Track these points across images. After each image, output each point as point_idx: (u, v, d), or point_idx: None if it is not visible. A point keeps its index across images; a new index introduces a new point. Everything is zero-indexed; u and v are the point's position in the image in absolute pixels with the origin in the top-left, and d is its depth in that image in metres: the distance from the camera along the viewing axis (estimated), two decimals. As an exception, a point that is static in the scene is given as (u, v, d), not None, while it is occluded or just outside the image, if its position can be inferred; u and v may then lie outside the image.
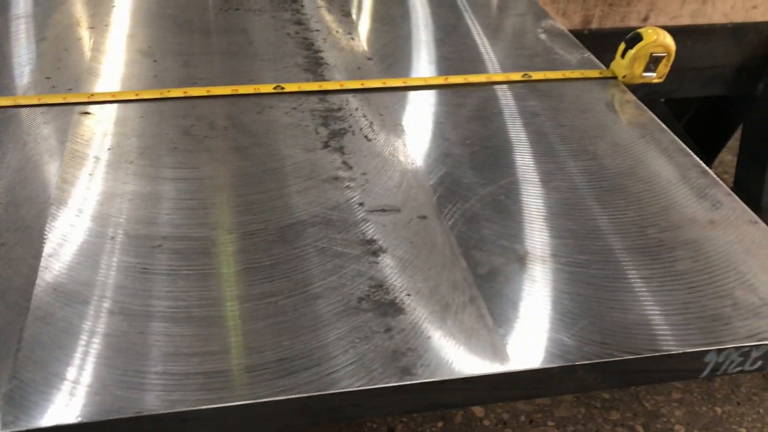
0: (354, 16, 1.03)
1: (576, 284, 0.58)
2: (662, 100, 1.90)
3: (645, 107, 0.85)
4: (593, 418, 1.43)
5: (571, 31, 1.44)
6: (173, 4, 1.01)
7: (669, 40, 0.89)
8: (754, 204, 1.69)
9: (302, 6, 1.04)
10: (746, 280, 0.60)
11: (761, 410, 1.46)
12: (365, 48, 0.94)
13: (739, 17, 1.49)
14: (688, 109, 1.92)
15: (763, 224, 0.68)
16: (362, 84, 0.84)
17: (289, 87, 0.82)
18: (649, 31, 0.89)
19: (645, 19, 1.42)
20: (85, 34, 0.92)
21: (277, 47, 0.92)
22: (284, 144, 0.73)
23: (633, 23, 1.41)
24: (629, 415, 1.44)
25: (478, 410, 1.43)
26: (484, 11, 1.08)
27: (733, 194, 0.72)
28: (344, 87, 0.83)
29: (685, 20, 1.45)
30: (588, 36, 1.42)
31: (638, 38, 0.89)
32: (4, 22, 0.95)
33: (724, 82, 1.57)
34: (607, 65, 0.94)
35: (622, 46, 0.90)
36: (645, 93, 1.45)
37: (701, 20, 1.46)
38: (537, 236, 0.63)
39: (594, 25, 1.41)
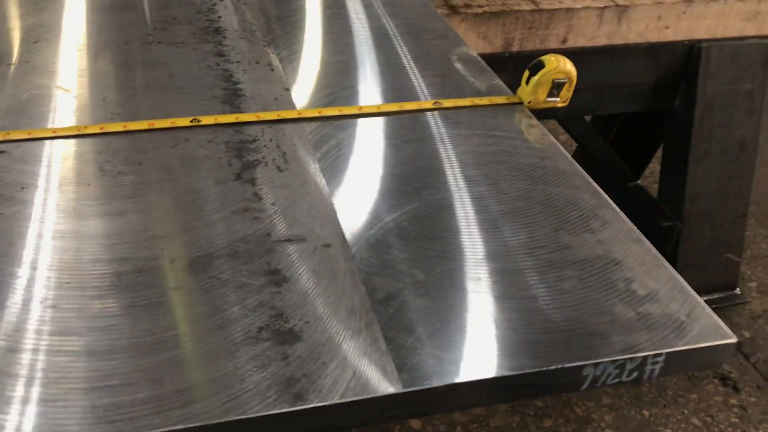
0: (274, 47, 1.07)
1: (469, 306, 0.62)
2: (587, 117, 1.98)
3: (547, 132, 0.90)
4: (527, 426, 1.47)
5: (492, 54, 1.51)
6: (97, 39, 1.03)
7: (570, 67, 0.95)
8: (676, 212, 1.78)
9: (224, 38, 1.07)
10: (625, 296, 0.65)
11: (686, 411, 1.53)
12: (284, 78, 0.98)
13: (653, 37, 1.57)
14: (613, 125, 2.00)
15: (646, 242, 0.73)
16: (278, 115, 0.87)
17: (206, 120, 0.85)
18: (551, 58, 0.94)
19: (564, 41, 1.48)
20: (5, 70, 0.93)
21: (197, 79, 0.95)
22: (197, 177, 0.75)
23: (552, 45, 1.48)
24: (561, 421, 1.49)
25: (415, 422, 1.46)
26: (403, 38, 1.13)
27: (621, 214, 0.77)
28: (260, 118, 0.87)
29: (602, 41, 1.52)
30: (509, 59, 1.48)
31: (540, 65, 0.94)
32: None
33: (643, 98, 1.64)
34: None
35: (527, 73, 0.95)
36: (568, 111, 1.52)
37: (617, 40, 1.53)
38: (435, 261, 0.67)
39: (515, 48, 1.47)
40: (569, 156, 0.85)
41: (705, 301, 1.89)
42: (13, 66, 0.94)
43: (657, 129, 1.89)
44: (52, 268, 0.62)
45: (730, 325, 2.00)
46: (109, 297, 0.59)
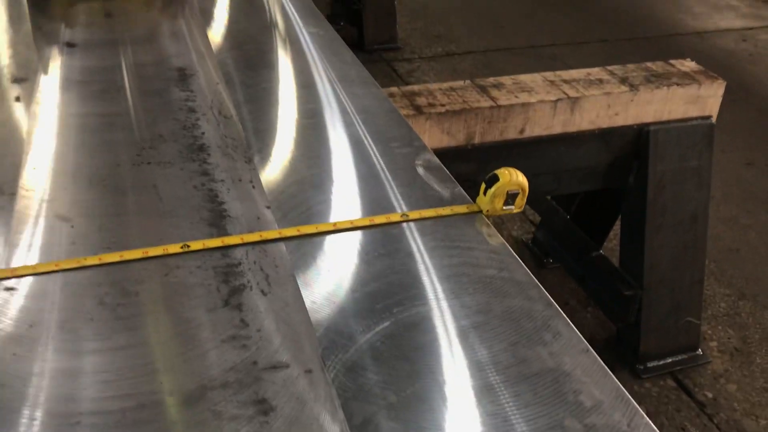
0: (255, 162, 1.16)
1: (437, 425, 0.70)
2: (548, 197, 2.10)
3: (504, 242, 1.00)
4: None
5: (456, 147, 1.62)
6: (89, 162, 1.12)
7: (522, 179, 1.05)
8: (637, 279, 1.88)
9: (208, 155, 1.16)
10: (574, 408, 0.73)
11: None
12: (264, 196, 1.07)
13: (604, 123, 1.69)
14: (572, 202, 2.12)
15: (592, 352, 0.82)
16: (260, 236, 0.96)
17: (195, 245, 0.93)
18: (505, 172, 1.04)
19: (522, 131, 1.60)
20: (9, 200, 1.01)
21: (185, 201, 1.03)
22: (189, 306, 0.83)
23: (511, 136, 1.59)
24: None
25: None
26: (374, 146, 1.22)
27: (570, 323, 0.86)
28: (244, 240, 0.95)
29: (557, 129, 1.64)
30: (472, 150, 1.58)
31: (495, 179, 1.04)
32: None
33: (599, 178, 1.76)
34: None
35: (483, 185, 1.05)
36: (531, 193, 1.63)
37: (571, 128, 1.65)
38: (404, 381, 0.75)
39: (477, 141, 1.58)
40: (525, 267, 0.95)
41: (669, 362, 2.01)
42: (11, 196, 1.02)
43: (614, 202, 2.00)
44: (62, 407, 0.69)
45: (693, 387, 2.10)
46: (117, 434, 0.66)
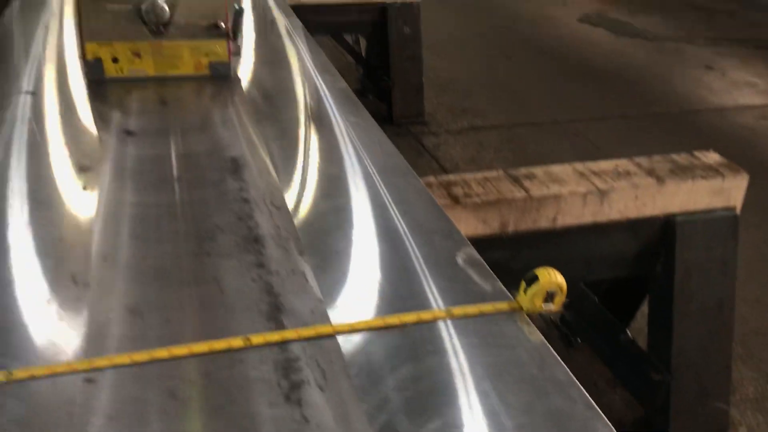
0: (306, 255, 1.23)
1: None
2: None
3: (545, 341, 1.06)
4: None
5: (490, 235, 1.69)
6: (154, 253, 1.20)
7: (560, 279, 1.11)
8: (665, 366, 1.92)
9: (264, 246, 1.24)
10: None
11: None
12: (317, 289, 1.14)
13: (632, 213, 1.76)
14: (602, 286, 2.18)
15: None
16: (315, 331, 1.03)
17: (256, 339, 1.00)
18: (544, 272, 1.11)
19: (554, 221, 1.67)
20: (77, 292, 1.09)
21: (244, 294, 1.11)
22: (253, 401, 0.89)
23: (544, 225, 1.67)
24: None
25: None
26: (414, 238, 1.30)
27: (609, 424, 0.91)
28: (300, 335, 1.02)
29: (587, 219, 1.72)
30: (506, 239, 1.66)
31: (535, 278, 1.11)
32: None
33: (627, 265, 1.83)
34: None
35: (523, 284, 1.12)
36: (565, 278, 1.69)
37: (601, 218, 1.73)
38: (457, 480, 0.80)
39: (510, 229, 1.65)
40: (565, 366, 1.00)
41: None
42: (88, 287, 1.10)
43: (642, 286, 2.06)
44: (144, 498, 0.75)
45: (724, 474, 2.10)
46: None
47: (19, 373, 0.91)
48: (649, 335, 1.98)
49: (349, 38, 4.83)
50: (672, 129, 4.56)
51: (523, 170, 1.64)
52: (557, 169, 1.68)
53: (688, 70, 5.80)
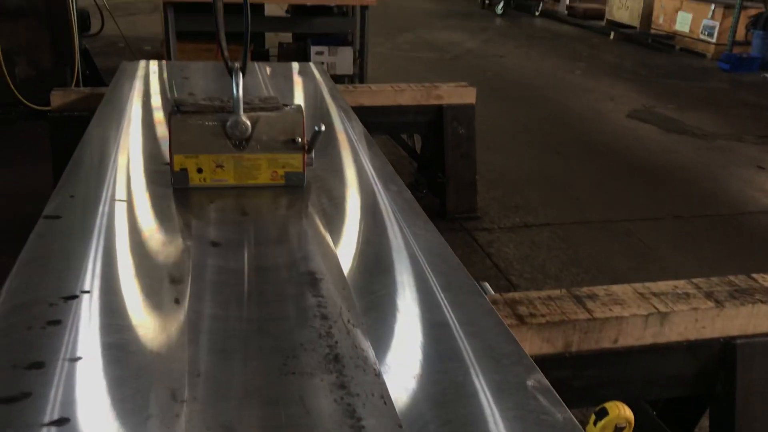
0: (383, 376, 1.31)
1: None
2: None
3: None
4: None
5: (553, 354, 1.74)
6: (243, 370, 1.29)
7: (629, 413, 1.17)
8: (728, 487, 1.90)
9: (344, 366, 1.33)
10: None
11: None
12: (395, 412, 1.21)
13: (692, 335, 1.80)
14: (660, 401, 2.19)
15: None
16: (397, 457, 1.10)
17: (342, 463, 1.07)
18: (613, 407, 1.17)
19: (615, 341, 1.73)
20: (178, 410, 1.18)
21: (328, 417, 1.19)
22: None
23: (605, 345, 1.72)
24: None
25: None
26: (486, 364, 1.37)
27: None
28: (383, 461, 1.09)
29: (647, 340, 1.77)
30: (569, 358, 1.72)
31: (605, 413, 1.17)
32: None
33: (687, 385, 1.85)
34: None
35: (593, 417, 1.18)
36: (623, 397, 1.73)
37: (661, 339, 1.77)
38: None
39: (574, 349, 1.71)
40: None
41: None
42: (185, 403, 1.20)
43: (700, 402, 2.06)
44: None
45: None
46: None
47: (131, 490, 1.00)
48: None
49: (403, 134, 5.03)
50: (726, 231, 4.57)
51: (585, 290, 1.71)
52: (618, 289, 1.74)
53: (739, 170, 5.82)
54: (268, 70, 3.89)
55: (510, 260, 3.85)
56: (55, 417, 1.15)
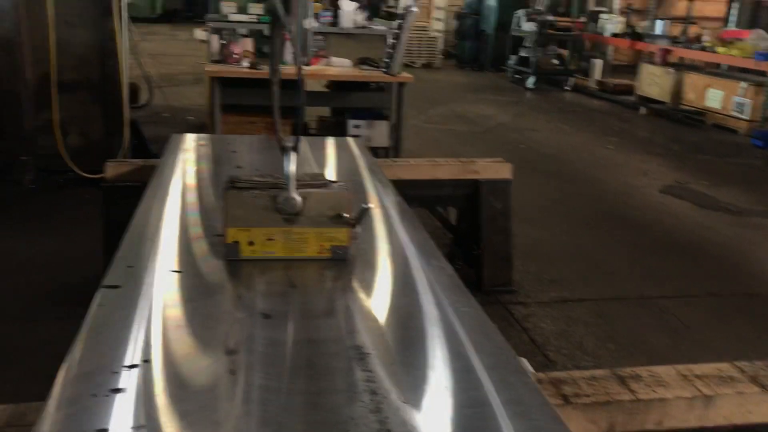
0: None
1: None
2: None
3: None
4: None
5: (599, 436, 1.75)
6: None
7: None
8: None
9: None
10: None
11: None
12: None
13: (737, 419, 1.80)
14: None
15: None
16: None
17: None
18: (664, 491, 1.18)
19: (659, 423, 1.73)
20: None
21: (382, 492, 1.22)
22: None
23: (650, 427, 1.72)
24: None
25: None
26: (514, 406, 1.39)
27: None
28: None
29: (692, 423, 1.77)
30: (613, 440, 1.72)
31: (656, 497, 1.18)
32: None
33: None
34: None
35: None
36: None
37: (706, 422, 1.77)
38: None
39: (618, 430, 1.72)
40: None
41: None
42: (245, 474, 1.24)
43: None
44: None
45: None
46: None
47: None
48: None
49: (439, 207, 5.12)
50: (763, 311, 4.52)
51: (628, 370, 1.72)
52: (661, 370, 1.76)
53: (776, 247, 5.78)
54: (309, 145, 4.04)
55: (547, 336, 3.85)
56: (122, 484, 1.20)
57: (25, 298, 4.12)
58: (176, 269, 2.16)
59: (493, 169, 4.43)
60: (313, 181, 2.32)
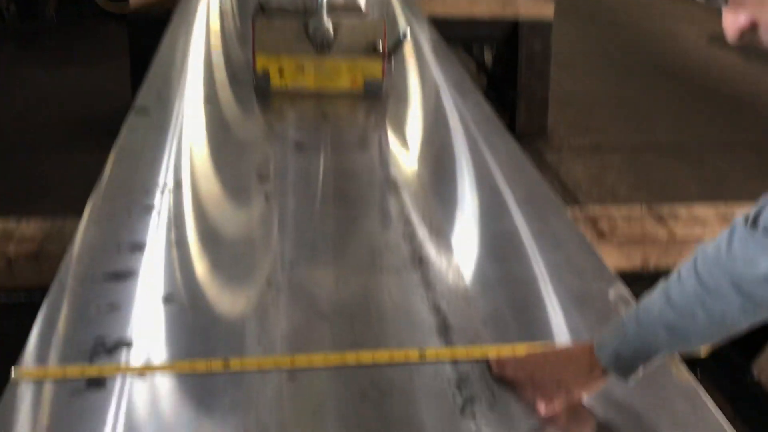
0: (467, 280, 1.35)
1: None
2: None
3: (694, 382, 1.12)
4: None
5: (631, 271, 1.74)
6: (333, 262, 1.35)
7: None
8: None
9: (427, 268, 1.36)
10: None
11: None
12: (479, 312, 1.25)
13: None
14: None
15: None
16: (482, 351, 1.14)
17: (429, 353, 1.12)
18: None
19: (693, 261, 1.71)
20: (273, 295, 1.24)
21: (414, 311, 1.23)
22: (435, 412, 1.01)
23: (683, 264, 1.70)
24: None
25: None
26: (568, 276, 1.38)
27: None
28: (469, 354, 1.13)
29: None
30: (646, 276, 1.71)
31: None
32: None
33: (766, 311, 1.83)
34: None
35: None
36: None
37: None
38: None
39: (651, 266, 1.70)
40: (717, 413, 1.06)
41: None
42: (281, 289, 1.26)
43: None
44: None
45: None
46: None
47: (234, 364, 1.07)
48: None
49: (474, 47, 4.92)
50: (805, 163, 4.39)
51: (666, 208, 1.69)
52: (700, 209, 1.72)
53: (826, 100, 5.53)
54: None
55: (578, 181, 3.81)
56: (161, 294, 1.22)
57: (57, 128, 4.15)
58: (206, 98, 2.12)
59: (536, 7, 4.20)
60: (347, 9, 2.20)
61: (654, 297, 0.99)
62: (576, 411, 1.03)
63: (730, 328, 0.92)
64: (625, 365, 0.99)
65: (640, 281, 1.58)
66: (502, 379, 1.07)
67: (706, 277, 0.92)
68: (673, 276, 0.98)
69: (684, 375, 1.14)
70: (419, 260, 1.39)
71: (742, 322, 0.91)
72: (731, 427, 1.03)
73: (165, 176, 1.60)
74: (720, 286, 0.90)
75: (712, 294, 0.90)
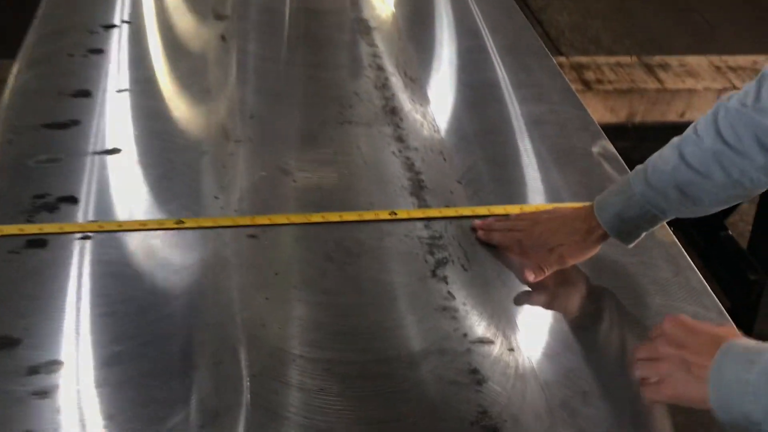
0: (443, 133, 1.25)
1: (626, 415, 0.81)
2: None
3: (680, 246, 1.07)
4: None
5: (616, 124, 1.66)
6: (298, 115, 1.23)
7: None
8: (764, 266, 1.92)
9: (401, 119, 1.26)
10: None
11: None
12: (456, 169, 1.16)
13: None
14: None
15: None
16: (456, 212, 1.06)
17: (401, 213, 1.05)
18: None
19: (682, 115, 1.62)
20: (236, 148, 1.14)
21: (387, 167, 1.14)
22: (403, 272, 0.95)
23: (671, 118, 1.62)
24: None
25: None
26: (548, 128, 1.29)
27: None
28: (443, 214, 1.06)
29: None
30: (632, 129, 1.63)
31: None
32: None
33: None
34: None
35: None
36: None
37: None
38: (598, 374, 0.86)
39: (637, 119, 1.61)
40: (699, 275, 1.02)
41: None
42: (240, 143, 1.15)
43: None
44: (313, 353, 0.83)
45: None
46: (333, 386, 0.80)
47: (189, 222, 0.98)
48: (752, 234, 1.98)
49: None
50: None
51: (657, 58, 1.57)
52: (693, 60, 1.61)
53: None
54: None
55: (562, 28, 3.62)
56: (106, 147, 1.11)
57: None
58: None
59: None
60: None
61: (665, 154, 0.89)
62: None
63: (746, 190, 0.85)
64: (627, 228, 0.92)
65: (624, 134, 1.50)
66: (488, 244, 1.01)
67: (727, 132, 0.83)
68: (688, 132, 0.89)
69: (670, 236, 1.08)
70: (392, 111, 1.28)
71: (761, 184, 0.84)
72: (712, 294, 0.99)
73: (111, 14, 1.43)
74: (742, 142, 0.81)
75: (732, 150, 0.82)
